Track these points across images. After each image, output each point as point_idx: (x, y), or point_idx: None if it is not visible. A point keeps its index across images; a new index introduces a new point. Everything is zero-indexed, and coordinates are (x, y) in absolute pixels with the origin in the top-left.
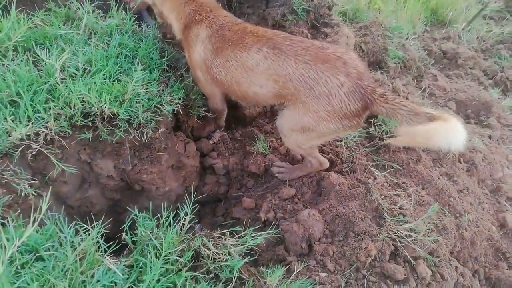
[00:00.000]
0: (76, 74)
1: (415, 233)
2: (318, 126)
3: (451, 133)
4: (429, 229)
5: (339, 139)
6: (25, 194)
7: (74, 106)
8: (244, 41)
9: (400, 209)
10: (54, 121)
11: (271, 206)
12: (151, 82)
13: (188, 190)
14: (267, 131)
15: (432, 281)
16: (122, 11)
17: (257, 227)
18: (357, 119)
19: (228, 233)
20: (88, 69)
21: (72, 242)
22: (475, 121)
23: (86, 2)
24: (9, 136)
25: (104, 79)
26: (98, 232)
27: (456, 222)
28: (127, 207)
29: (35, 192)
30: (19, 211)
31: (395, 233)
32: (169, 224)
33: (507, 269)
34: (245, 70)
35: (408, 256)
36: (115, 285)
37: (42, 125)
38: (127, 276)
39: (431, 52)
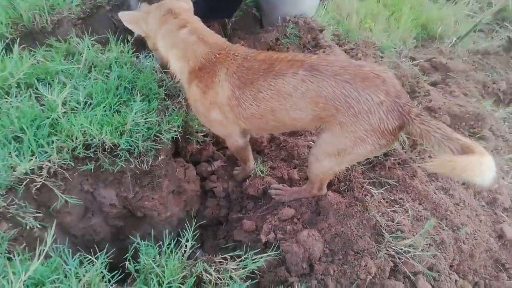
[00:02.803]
0: (77, 108)
1: (413, 248)
2: (355, 147)
3: (487, 171)
4: (427, 244)
5: None
6: (30, 227)
7: (76, 138)
8: (276, 68)
9: (397, 225)
10: (57, 154)
11: (271, 227)
12: (150, 111)
13: (189, 214)
14: (264, 152)
15: None
16: (120, 44)
17: (258, 249)
18: (393, 138)
19: (229, 257)
20: (89, 102)
21: (77, 273)
22: (469, 134)
23: (86, 36)
24: (14, 171)
25: (105, 111)
26: (102, 262)
27: (454, 236)
28: (130, 235)
29: (39, 224)
30: (24, 244)
31: (394, 249)
32: (171, 251)
33: (507, 280)
34: (282, 97)
35: (408, 272)
36: None
37: (46, 159)
38: None
39: (423, 68)
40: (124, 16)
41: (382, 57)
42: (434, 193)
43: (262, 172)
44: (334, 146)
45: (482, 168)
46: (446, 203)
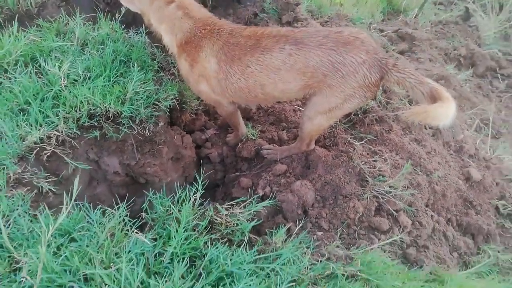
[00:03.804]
0: (77, 81)
1: (394, 189)
2: (344, 103)
3: (450, 117)
4: (405, 186)
5: None
6: (46, 191)
7: (80, 109)
8: (262, 43)
9: (379, 171)
10: (64, 123)
11: (266, 182)
12: (147, 82)
13: (187, 180)
14: (254, 119)
15: (412, 228)
16: (110, 21)
17: (257, 199)
18: (376, 89)
19: (235, 203)
20: (88, 76)
21: (100, 222)
22: None
23: (77, 15)
24: (24, 141)
25: (104, 82)
26: (123, 211)
27: (428, 179)
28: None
29: (54, 189)
30: (42, 206)
31: (377, 191)
32: (183, 200)
33: (475, 215)
34: (271, 71)
35: (391, 209)
36: (144, 254)
37: (53, 128)
38: (154, 245)
39: (391, 38)
40: None
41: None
42: (409, 144)
43: (253, 135)
44: (325, 106)
45: (448, 116)
46: (420, 152)
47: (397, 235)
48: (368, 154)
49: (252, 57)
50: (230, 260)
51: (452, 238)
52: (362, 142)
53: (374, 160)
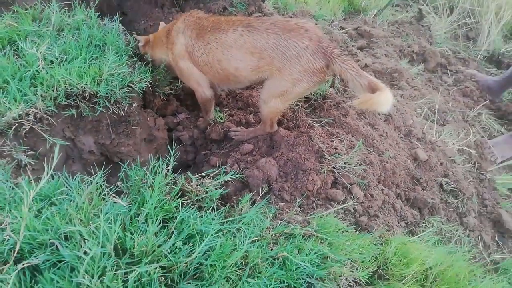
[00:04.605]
0: (53, 62)
1: (348, 165)
2: (294, 87)
3: (390, 103)
4: (358, 163)
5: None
6: (25, 163)
7: (57, 89)
8: (221, 26)
9: (335, 149)
10: (41, 102)
11: (234, 161)
12: (121, 65)
13: (159, 160)
14: (223, 104)
15: (365, 200)
16: (85, 8)
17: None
18: (323, 75)
19: (205, 175)
20: (64, 58)
21: (79, 187)
22: (390, 85)
23: (52, 1)
24: (3, 117)
25: (80, 64)
26: (100, 178)
27: (379, 158)
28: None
29: (33, 161)
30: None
31: (333, 166)
32: (155, 172)
33: (421, 191)
34: (225, 48)
35: (346, 183)
36: (120, 216)
37: (31, 106)
38: (129, 208)
39: (350, 35)
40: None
41: (316, 24)
42: (363, 127)
43: (221, 118)
44: (277, 89)
45: (388, 102)
46: (373, 134)
47: (351, 205)
48: (326, 135)
49: (211, 36)
50: (200, 220)
51: (400, 209)
52: (321, 123)
53: (332, 141)
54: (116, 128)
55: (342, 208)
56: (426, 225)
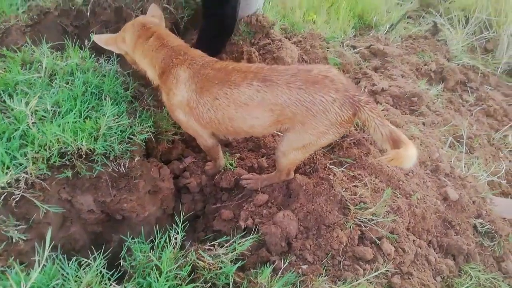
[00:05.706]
0: (45, 117)
1: (376, 216)
2: (318, 140)
3: (414, 159)
4: (387, 212)
5: None
6: (16, 240)
7: (50, 148)
8: (231, 78)
9: (360, 198)
10: (33, 164)
11: (248, 214)
12: (121, 115)
13: (166, 212)
14: (232, 145)
15: (396, 256)
16: (79, 49)
17: (240, 235)
18: (349, 125)
19: (217, 244)
20: (57, 111)
21: (76, 276)
22: (409, 112)
23: (40, 44)
24: None
25: (75, 118)
26: (100, 263)
27: (407, 202)
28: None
29: (24, 237)
30: (13, 257)
31: (359, 219)
32: (163, 245)
33: (454, 235)
34: (238, 106)
35: (373, 238)
36: None
37: (21, 171)
38: None
39: (363, 55)
40: (100, 39)
41: (328, 47)
42: (387, 167)
43: (231, 164)
44: (299, 142)
45: (413, 158)
46: (398, 174)
47: (382, 264)
48: (348, 179)
49: (220, 90)
50: None
51: (435, 262)
52: (341, 168)
53: (355, 186)
54: (117, 184)
55: (372, 269)
56: (461, 276)
